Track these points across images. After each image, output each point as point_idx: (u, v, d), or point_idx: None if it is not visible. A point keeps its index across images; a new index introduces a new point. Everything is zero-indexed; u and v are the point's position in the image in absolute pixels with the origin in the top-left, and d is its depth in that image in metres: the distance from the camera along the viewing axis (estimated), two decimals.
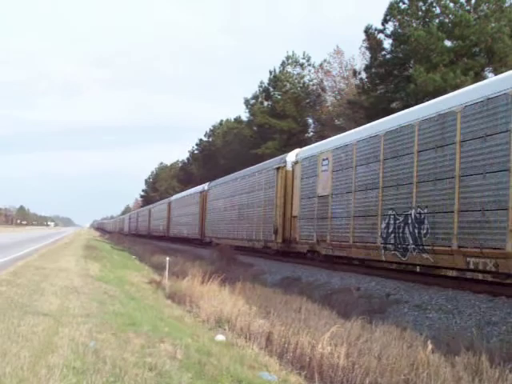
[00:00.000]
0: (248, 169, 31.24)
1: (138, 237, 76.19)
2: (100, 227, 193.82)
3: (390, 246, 15.67)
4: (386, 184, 15.98)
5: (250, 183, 29.25)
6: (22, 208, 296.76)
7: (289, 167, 23.98)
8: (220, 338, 9.93)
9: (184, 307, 13.80)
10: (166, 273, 17.91)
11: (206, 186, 41.07)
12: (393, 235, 15.52)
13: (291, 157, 24.00)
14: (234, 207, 31.61)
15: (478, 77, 25.67)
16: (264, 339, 9.77)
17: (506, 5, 27.81)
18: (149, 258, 30.92)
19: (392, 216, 15.57)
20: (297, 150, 24.23)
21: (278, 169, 24.86)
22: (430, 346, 7.95)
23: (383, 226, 15.98)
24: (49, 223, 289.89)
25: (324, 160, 20.21)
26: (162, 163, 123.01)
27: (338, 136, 21.06)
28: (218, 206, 35.73)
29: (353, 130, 20.05)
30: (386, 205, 15.87)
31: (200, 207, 41.21)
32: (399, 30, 30.35)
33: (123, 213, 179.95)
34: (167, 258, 19.12)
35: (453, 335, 9.64)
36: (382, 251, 16.07)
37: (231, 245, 29.90)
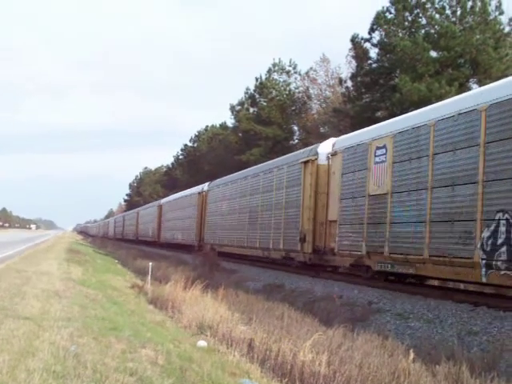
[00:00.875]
0: (262, 165, 27.50)
1: (123, 242, 72.88)
2: (83, 231, 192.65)
3: (498, 263, 11.39)
4: (490, 177, 11.81)
5: (265, 181, 24.91)
6: (4, 210, 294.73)
7: (322, 160, 19.82)
8: (202, 344, 9.90)
9: (166, 312, 13.74)
10: (149, 278, 17.85)
11: (205, 186, 37.14)
12: (505, 248, 11.27)
13: (325, 147, 19.89)
14: (244, 210, 27.34)
15: (463, 87, 25.91)
16: (246, 346, 9.74)
17: (491, 17, 28.10)
18: (132, 263, 30.78)
19: (504, 221, 11.37)
20: (332, 140, 19.90)
21: (305, 163, 20.61)
22: (411, 355, 7.98)
23: (486, 234, 11.78)
24: (31, 226, 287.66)
25: (379, 149, 15.84)
26: (146, 168, 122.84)
27: (402, 117, 16.83)
28: (221, 208, 31.69)
29: (428, 107, 15.48)
30: (492, 205, 11.70)
31: (198, 210, 37.29)
32: (385, 40, 30.55)
33: (107, 217, 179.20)
34: (150, 263, 19.07)
35: (434, 344, 9.67)
36: (484, 270, 11.79)
37: (241, 254, 27.85)
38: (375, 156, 15.97)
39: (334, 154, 18.89)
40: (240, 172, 30.78)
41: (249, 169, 29.84)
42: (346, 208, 17.46)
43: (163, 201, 53.49)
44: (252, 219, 25.94)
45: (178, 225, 43.83)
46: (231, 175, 32.28)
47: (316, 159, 20.04)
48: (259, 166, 28.28)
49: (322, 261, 19.51)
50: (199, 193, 37.61)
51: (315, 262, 19.89)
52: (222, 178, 34.30)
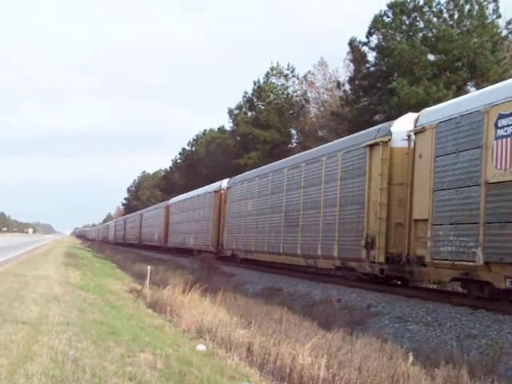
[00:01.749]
0: (304, 153, 23.54)
1: (125, 246, 69.22)
2: (81, 235, 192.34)
3: None
4: None
5: (308, 173, 20.52)
6: (2, 214, 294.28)
7: (398, 142, 15.53)
8: (201, 347, 9.89)
9: (165, 317, 13.73)
10: (147, 282, 17.82)
11: (223, 182, 32.64)
12: None
13: (403, 124, 15.67)
14: (277, 209, 23.07)
15: (461, 91, 25.92)
16: (245, 349, 9.73)
17: (488, 21, 28.14)
18: (130, 267, 30.75)
19: None
20: (413, 114, 15.80)
21: (371, 147, 16.46)
22: (410, 359, 7.97)
23: None
24: (28, 230, 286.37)
25: (504, 117, 11.44)
26: (144, 172, 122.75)
27: None
28: (246, 208, 27.20)
29: None
30: None
31: (215, 211, 32.80)
32: (383, 43, 30.55)
33: (105, 221, 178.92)
34: (148, 267, 19.04)
35: (433, 348, 9.67)
36: None
37: (274, 262, 23.94)
38: (497, 128, 11.65)
39: (419, 131, 14.37)
40: (272, 164, 26.51)
41: (283, 160, 25.42)
42: (446, 202, 13.04)
43: (171, 201, 48.68)
44: (290, 220, 21.65)
45: (189, 228, 39.13)
46: (259, 169, 28.45)
47: (388, 141, 15.75)
48: (298, 155, 24.55)
49: (401, 272, 15.24)
50: (216, 191, 33.10)
51: (391, 273, 15.83)
52: (246, 173, 30.45)
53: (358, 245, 16.34)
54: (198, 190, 40.32)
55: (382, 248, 15.40)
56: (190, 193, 43.08)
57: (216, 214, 32.48)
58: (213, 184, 35.92)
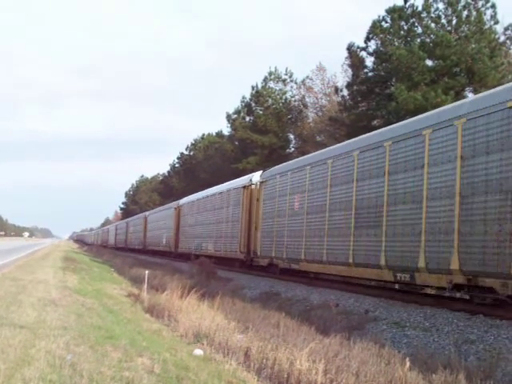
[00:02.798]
0: (388, 128, 17.05)
1: (127, 251, 65.71)
2: (79, 239, 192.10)
3: None
4: None
5: (396, 156, 15.11)
6: (0, 218, 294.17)
7: None
8: (198, 352, 9.88)
9: (162, 321, 13.71)
10: (145, 286, 17.81)
11: (254, 176, 27.65)
12: None
13: None
14: (341, 205, 17.62)
15: (459, 96, 26.00)
16: (242, 354, 9.72)
17: (486, 27, 28.24)
18: (128, 271, 30.70)
19: None
20: None
21: None
22: (407, 364, 7.97)
23: None
24: (23, 234, 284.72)
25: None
26: (142, 176, 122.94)
27: None
28: (290, 205, 21.74)
29: None
30: None
31: (244, 210, 27.46)
32: (381, 49, 30.68)
33: (103, 225, 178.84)
34: (146, 272, 19.02)
35: (431, 353, 9.67)
36: None
37: (335, 274, 18.42)
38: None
39: None
40: (331, 148, 20.91)
41: (351, 141, 19.23)
42: None
43: (182, 201, 43.49)
44: (365, 219, 16.29)
45: (208, 231, 33.73)
46: (309, 155, 23.04)
47: None
48: (380, 130, 18.03)
49: None
50: (245, 186, 27.70)
51: None
52: (289, 163, 24.81)
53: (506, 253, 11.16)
54: (217, 186, 34.71)
55: None
56: (207, 190, 37.02)
57: (245, 214, 27.04)
58: (239, 179, 30.86)
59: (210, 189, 36.31)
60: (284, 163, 25.37)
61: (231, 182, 31.89)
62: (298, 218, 20.90)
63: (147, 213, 61.02)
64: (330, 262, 18.07)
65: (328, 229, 18.39)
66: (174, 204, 46.30)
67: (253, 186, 26.95)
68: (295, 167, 22.08)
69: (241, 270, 27.56)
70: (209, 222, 33.72)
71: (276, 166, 25.69)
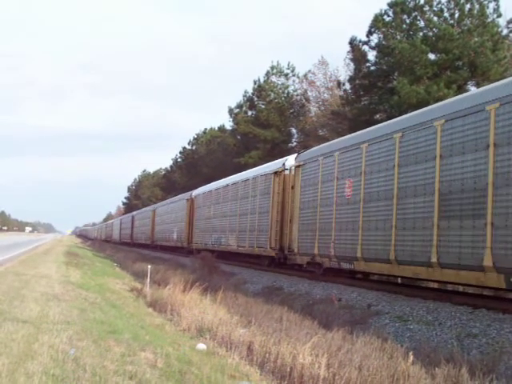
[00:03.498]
0: (489, 87, 13.03)
1: (132, 246, 63.91)
2: (82, 234, 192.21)
3: None
4: None
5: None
6: (2, 213, 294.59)
7: None
8: (201, 346, 9.89)
9: (165, 315, 13.73)
10: (148, 281, 17.82)
11: (288, 159, 23.44)
12: None
13: None
14: (416, 191, 14.03)
15: (461, 90, 25.93)
16: (245, 348, 9.73)
17: (489, 20, 28.13)
18: (130, 266, 30.74)
19: None
20: None
21: None
22: (410, 358, 7.97)
23: None
24: (24, 228, 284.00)
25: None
26: (145, 171, 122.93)
27: None
28: (340, 192, 17.86)
29: None
30: None
31: (275, 200, 23.51)
32: (383, 42, 30.56)
33: (105, 220, 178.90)
34: (149, 266, 19.04)
35: (433, 347, 9.67)
36: None
37: (407, 276, 15.46)
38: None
39: None
40: (397, 119, 16.68)
41: (428, 108, 15.20)
42: None
43: (196, 192, 39.57)
44: (455, 206, 12.66)
45: (229, 224, 29.67)
46: (363, 131, 18.23)
47: None
48: (469, 94, 15.04)
49: None
50: (276, 172, 23.83)
51: None
52: (335, 141, 20.72)
53: None
54: (238, 174, 31.36)
55: None
56: (228, 178, 32.76)
57: (277, 204, 23.34)
58: (268, 164, 26.98)
59: (232, 176, 32.30)
60: (326, 143, 21.79)
61: (258, 168, 28.62)
62: (351, 207, 17.11)
63: (155, 205, 57.46)
64: (401, 261, 14.39)
65: (397, 219, 14.64)
66: (185, 195, 42.37)
67: (286, 172, 23.15)
68: (341, 147, 18.20)
69: (270, 269, 23.88)
70: (231, 213, 29.48)
71: (316, 147, 22.14)
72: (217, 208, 32.45)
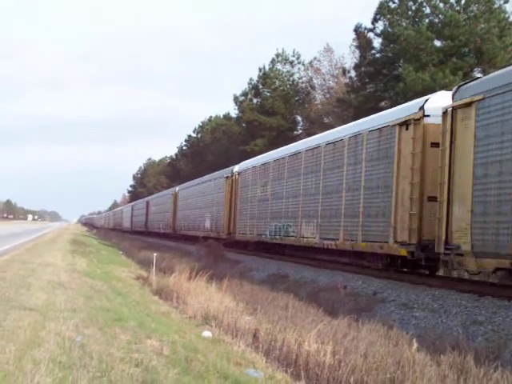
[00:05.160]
0: None
1: (146, 236, 57.73)
2: (88, 222, 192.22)
3: None
4: None
5: None
6: (8, 202, 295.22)
7: None
8: (207, 334, 9.92)
9: (171, 303, 13.78)
10: (153, 269, 17.87)
11: (409, 107, 14.83)
12: None
13: None
14: None
15: (467, 77, 25.79)
16: (251, 336, 9.77)
17: (495, 6, 27.95)
18: (136, 254, 30.84)
19: None
20: None
21: None
22: (415, 345, 7.99)
23: None
24: (27, 216, 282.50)
25: None
26: (150, 159, 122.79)
27: None
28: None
29: None
30: None
31: (408, 166, 13.93)
32: (389, 29, 30.39)
33: (111, 208, 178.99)
34: (154, 254, 19.09)
35: (439, 334, 9.68)
36: None
37: None
38: None
39: None
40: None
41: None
42: None
43: (239, 167, 30.07)
44: None
45: (299, 208, 20.70)
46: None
47: None
48: None
49: None
50: (405, 123, 14.37)
51: None
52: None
53: None
54: (323, 134, 21.94)
55: None
56: (289, 147, 24.53)
57: (411, 172, 13.99)
58: (378, 114, 17.86)
59: (301, 141, 24.99)
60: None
61: (341, 128, 20.36)
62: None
63: (177, 188, 47.97)
64: None
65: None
66: (223, 172, 32.81)
67: (428, 120, 13.75)
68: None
69: (384, 274, 15.78)
70: (305, 192, 20.41)
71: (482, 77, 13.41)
72: (277, 185, 23.42)
